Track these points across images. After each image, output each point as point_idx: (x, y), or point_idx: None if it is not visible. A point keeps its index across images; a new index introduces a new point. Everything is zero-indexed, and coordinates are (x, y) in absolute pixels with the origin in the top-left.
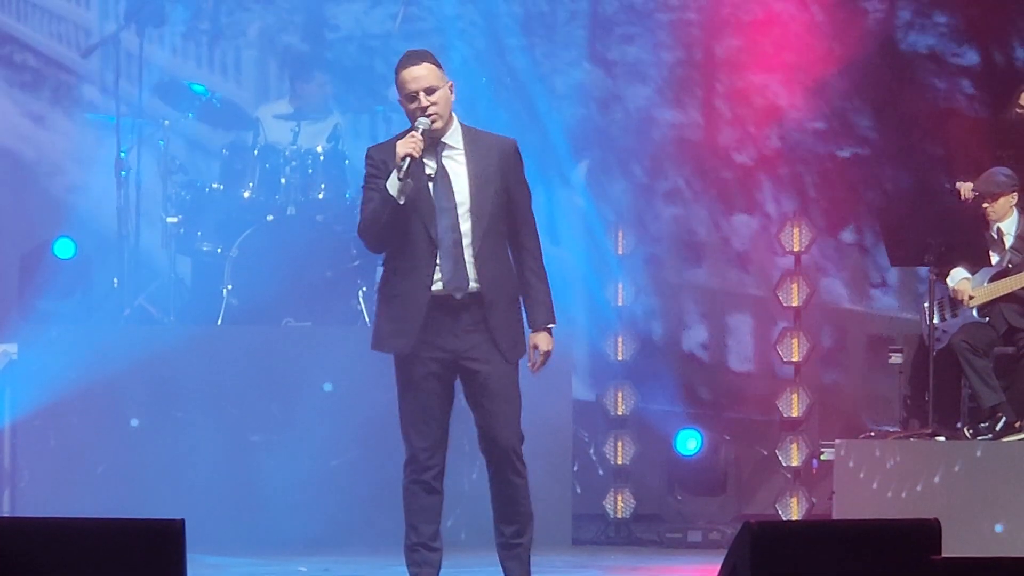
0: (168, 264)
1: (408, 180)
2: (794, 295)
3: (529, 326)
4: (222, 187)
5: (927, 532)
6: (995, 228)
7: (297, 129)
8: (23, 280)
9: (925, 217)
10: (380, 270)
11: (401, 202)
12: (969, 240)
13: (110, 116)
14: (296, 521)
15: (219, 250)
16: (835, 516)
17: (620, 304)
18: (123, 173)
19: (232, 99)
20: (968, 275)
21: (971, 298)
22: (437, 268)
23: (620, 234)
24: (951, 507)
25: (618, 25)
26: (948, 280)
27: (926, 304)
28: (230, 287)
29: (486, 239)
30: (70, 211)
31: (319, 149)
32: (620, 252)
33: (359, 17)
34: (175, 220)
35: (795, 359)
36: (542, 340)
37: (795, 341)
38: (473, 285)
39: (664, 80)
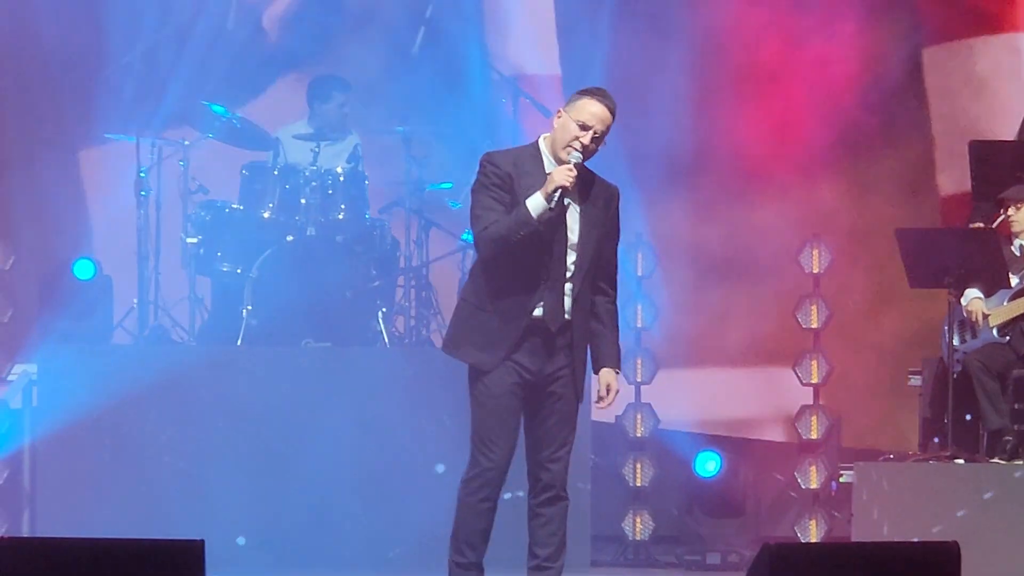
0: (188, 285)
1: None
2: (813, 317)
3: (599, 364)
4: (242, 207)
5: (946, 555)
6: (1017, 245)
7: (317, 150)
8: (43, 301)
9: (944, 239)
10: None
11: (539, 227)
12: (989, 262)
13: (130, 136)
14: (315, 541)
15: (239, 271)
16: (854, 539)
17: (639, 326)
18: (143, 193)
19: (252, 119)
20: (980, 295)
21: (985, 317)
22: (541, 296)
23: (639, 255)
24: (972, 529)
25: (637, 42)
26: (961, 300)
27: (946, 326)
28: (250, 308)
29: (585, 278)
30: (90, 232)
31: (339, 170)
32: (640, 274)
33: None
34: (195, 240)
35: (814, 381)
36: (614, 379)
37: (814, 363)
38: (567, 317)
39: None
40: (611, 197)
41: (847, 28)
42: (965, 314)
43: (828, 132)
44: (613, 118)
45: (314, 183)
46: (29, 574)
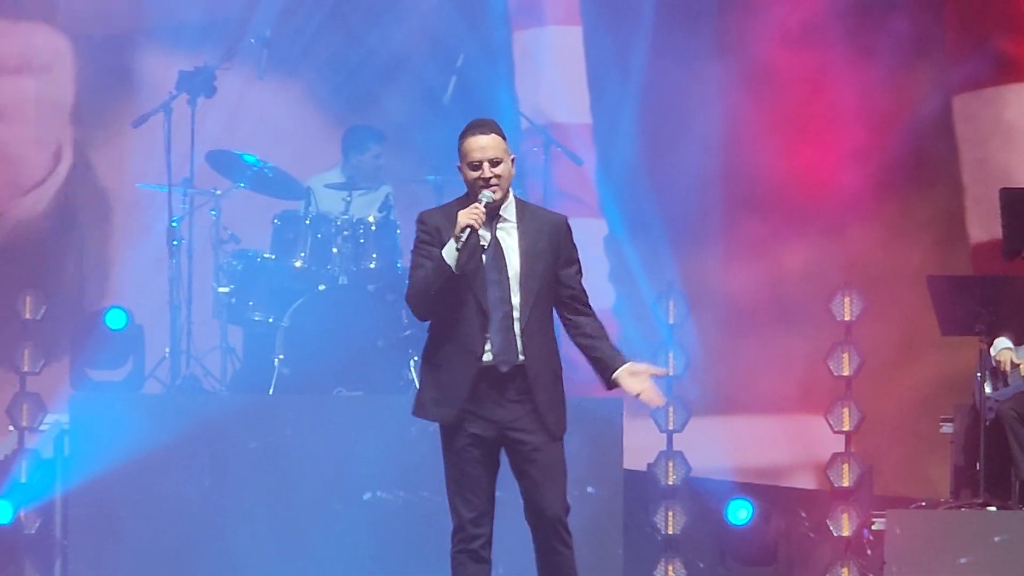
0: (220, 334)
1: (464, 251)
2: (845, 364)
3: (611, 372)
4: (274, 256)
5: None
6: None
7: (349, 199)
8: (75, 350)
9: (976, 286)
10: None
11: (455, 272)
12: (1019, 310)
13: (162, 185)
14: None
15: (271, 320)
16: None
17: (671, 373)
18: (175, 243)
19: (284, 169)
20: (1010, 344)
21: (1015, 366)
22: (487, 340)
23: (671, 303)
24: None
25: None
26: (991, 350)
27: (978, 374)
28: (282, 356)
29: (534, 313)
30: (122, 281)
31: (371, 219)
32: (671, 321)
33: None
34: (227, 290)
35: (846, 428)
36: (640, 367)
37: (846, 411)
38: (520, 358)
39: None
40: (555, 227)
41: (877, 76)
42: (994, 363)
43: (859, 179)
44: (502, 136)
45: (346, 232)
46: None
